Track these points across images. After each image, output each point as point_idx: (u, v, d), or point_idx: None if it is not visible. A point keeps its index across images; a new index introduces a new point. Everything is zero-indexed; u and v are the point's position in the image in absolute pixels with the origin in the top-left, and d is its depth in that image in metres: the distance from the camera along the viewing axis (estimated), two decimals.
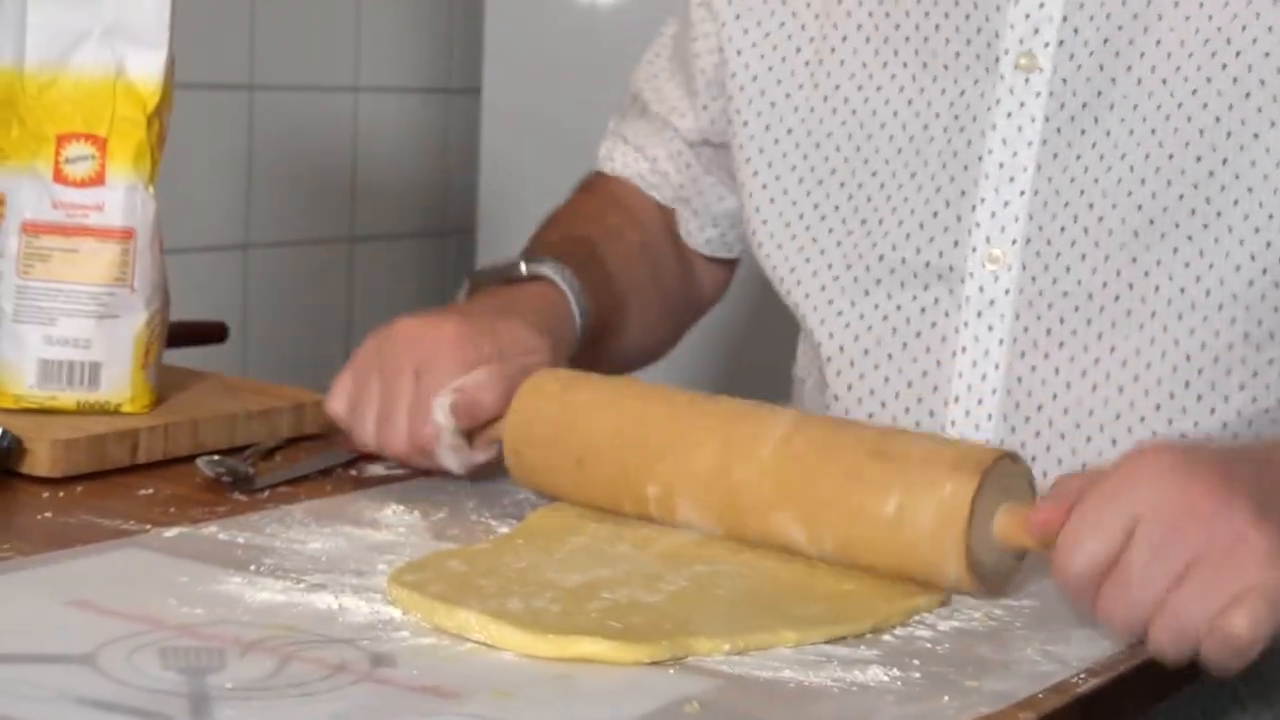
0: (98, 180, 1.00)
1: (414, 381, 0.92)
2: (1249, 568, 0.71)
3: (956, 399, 0.99)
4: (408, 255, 2.17)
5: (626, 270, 1.12)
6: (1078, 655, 0.74)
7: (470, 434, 0.93)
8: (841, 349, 1.03)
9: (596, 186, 1.20)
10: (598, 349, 1.06)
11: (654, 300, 1.16)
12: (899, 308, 1.01)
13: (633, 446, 0.87)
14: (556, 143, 2.02)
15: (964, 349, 1.00)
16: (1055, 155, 0.98)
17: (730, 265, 1.22)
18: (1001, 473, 0.79)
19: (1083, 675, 0.73)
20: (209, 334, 1.24)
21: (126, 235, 1.00)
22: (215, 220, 1.81)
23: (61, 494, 0.93)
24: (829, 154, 1.06)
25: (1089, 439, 0.97)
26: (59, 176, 1.00)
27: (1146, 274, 0.96)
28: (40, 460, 0.95)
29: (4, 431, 0.94)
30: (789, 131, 1.07)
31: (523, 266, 1.01)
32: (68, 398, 1.01)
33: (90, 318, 1.00)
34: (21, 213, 1.00)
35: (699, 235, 1.19)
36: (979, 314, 0.99)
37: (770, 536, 0.83)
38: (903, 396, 1.01)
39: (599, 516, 0.89)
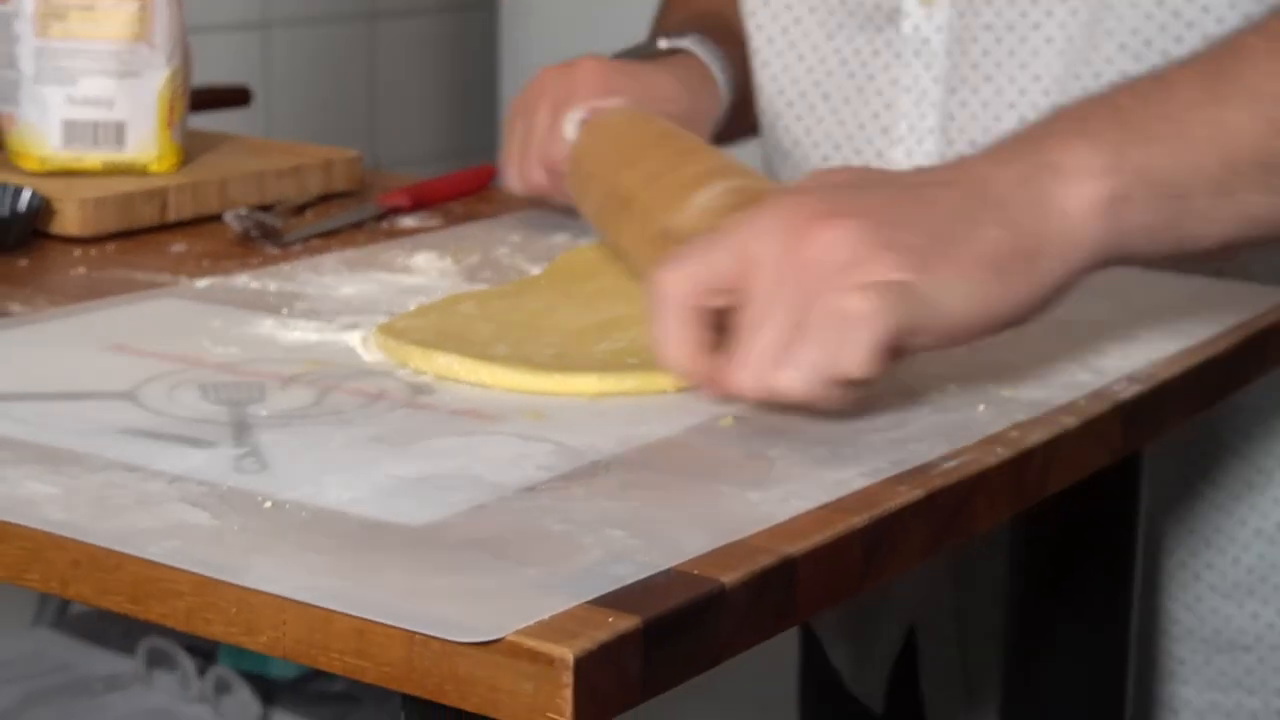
0: None
1: (551, 113, 0.95)
2: (859, 273, 0.63)
3: (901, 140, 0.98)
4: (429, 30, 2.14)
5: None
6: (1115, 367, 0.74)
7: None
8: (803, 94, 1.02)
9: None
10: (731, 126, 1.06)
11: None
12: (856, 50, 1.00)
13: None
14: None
15: (907, 89, 0.98)
16: None
17: None
18: None
19: (1123, 382, 0.73)
20: (232, 98, 1.23)
21: None
22: None
23: (93, 252, 0.94)
24: None
25: None
26: None
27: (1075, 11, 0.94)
28: (69, 220, 0.95)
29: (32, 193, 0.94)
30: None
31: (661, 42, 1.02)
32: (94, 158, 1.00)
33: (112, 76, 1.00)
34: None
35: None
36: (916, 53, 0.98)
37: None
38: (855, 139, 1.00)
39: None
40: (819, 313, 0.63)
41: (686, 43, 1.02)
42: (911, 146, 0.98)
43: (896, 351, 0.64)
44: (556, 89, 0.96)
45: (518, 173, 0.97)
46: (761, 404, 0.67)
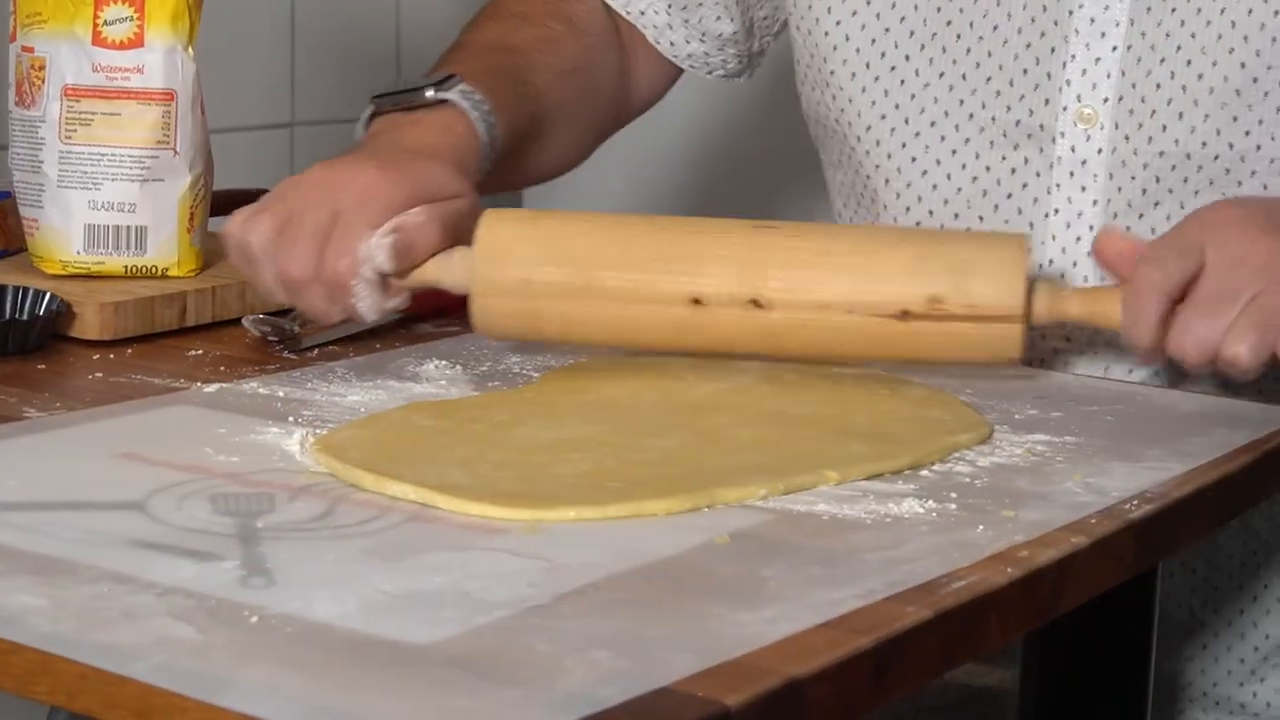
0: (137, 42, 1.00)
1: (332, 220, 0.86)
2: None
3: (1051, 261, 0.98)
4: None
5: (554, 87, 1.06)
6: (1120, 488, 0.74)
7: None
8: (931, 213, 1.01)
9: None
10: (502, 173, 1.01)
11: (579, 118, 1.10)
12: (988, 168, 0.99)
13: (648, 255, 0.84)
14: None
15: (1056, 210, 0.98)
16: (1148, 9, 0.96)
17: (675, 74, 1.16)
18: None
19: (1134, 502, 0.72)
20: (254, 202, 1.24)
21: (167, 97, 1.00)
22: (259, 99, 1.80)
23: (111, 356, 0.94)
24: (919, 3, 1.02)
25: None
26: (98, 39, 1.00)
27: (1247, 133, 0.94)
28: (89, 323, 0.96)
29: (52, 296, 0.95)
30: None
31: (429, 92, 0.95)
32: (115, 262, 1.02)
33: (134, 181, 1.01)
34: (62, 77, 1.00)
35: (683, 48, 1.13)
36: (1071, 174, 0.97)
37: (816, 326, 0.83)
38: None
39: (627, 369, 0.88)
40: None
41: (454, 95, 0.95)
42: (1065, 269, 0.98)
43: None
44: (335, 195, 0.87)
45: (283, 264, 0.86)
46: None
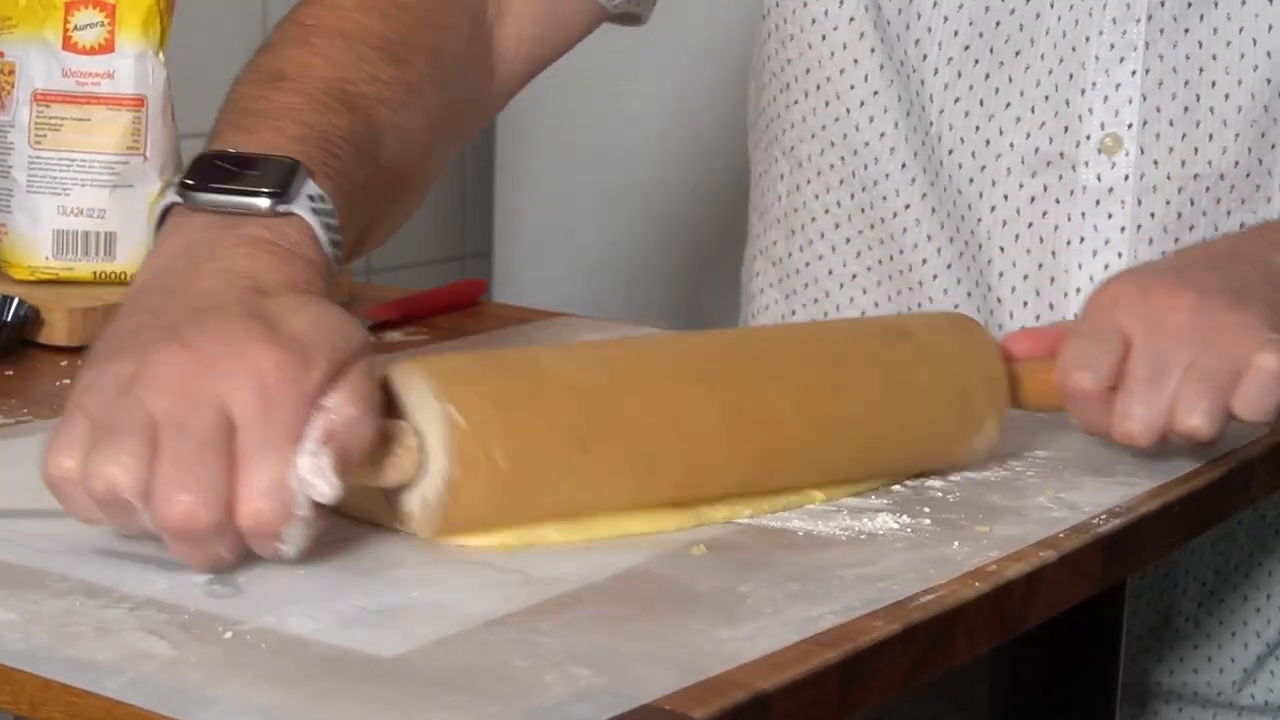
0: (107, 48, 1.00)
1: (227, 432, 0.60)
2: (1247, 339, 0.76)
3: (1078, 290, 0.98)
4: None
5: (407, 154, 0.83)
6: (1091, 502, 0.74)
7: None
8: (950, 240, 1.01)
9: None
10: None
11: (430, 174, 0.88)
12: (1006, 197, 0.99)
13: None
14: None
15: (1082, 239, 0.97)
16: (1162, 30, 0.96)
17: (544, 62, 1.00)
18: None
19: (1103, 517, 0.73)
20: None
21: (138, 103, 1.00)
22: None
23: (80, 362, 0.93)
24: (934, 28, 1.01)
25: None
26: (68, 44, 0.99)
27: (1274, 146, 0.95)
28: (57, 330, 0.96)
29: (20, 302, 0.95)
30: (899, 11, 1.01)
31: (268, 202, 0.69)
32: (84, 268, 1.01)
33: (104, 187, 1.00)
34: (32, 82, 1.00)
35: None
36: (1097, 202, 0.97)
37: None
38: (1019, 291, 0.99)
39: None
40: (1230, 365, 0.75)
41: (300, 210, 0.70)
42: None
43: None
44: (221, 390, 0.61)
45: (187, 509, 0.59)
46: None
